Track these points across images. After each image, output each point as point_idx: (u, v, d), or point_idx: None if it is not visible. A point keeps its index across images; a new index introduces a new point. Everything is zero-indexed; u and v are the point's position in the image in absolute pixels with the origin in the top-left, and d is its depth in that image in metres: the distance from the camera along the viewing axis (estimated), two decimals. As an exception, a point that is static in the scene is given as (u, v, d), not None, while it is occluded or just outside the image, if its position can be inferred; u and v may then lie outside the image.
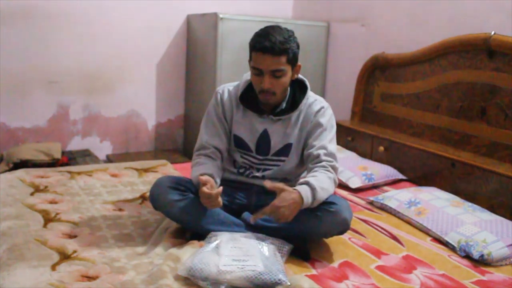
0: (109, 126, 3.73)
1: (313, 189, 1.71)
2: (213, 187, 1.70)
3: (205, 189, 1.67)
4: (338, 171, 1.88)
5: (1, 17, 3.17)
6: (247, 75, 1.94)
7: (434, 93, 2.83)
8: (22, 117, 3.40)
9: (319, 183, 1.74)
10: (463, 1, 2.74)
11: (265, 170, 1.96)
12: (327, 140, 1.88)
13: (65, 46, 3.41)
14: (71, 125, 3.59)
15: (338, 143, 2.02)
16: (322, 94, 3.88)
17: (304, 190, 1.70)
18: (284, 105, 1.90)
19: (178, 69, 3.88)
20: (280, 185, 1.72)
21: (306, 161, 1.92)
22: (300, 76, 1.93)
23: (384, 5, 3.29)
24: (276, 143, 1.93)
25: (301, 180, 1.76)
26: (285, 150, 1.94)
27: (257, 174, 1.97)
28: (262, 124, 1.92)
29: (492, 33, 2.44)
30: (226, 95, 1.96)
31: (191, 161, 2.00)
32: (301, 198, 1.68)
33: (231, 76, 3.36)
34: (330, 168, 1.83)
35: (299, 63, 1.86)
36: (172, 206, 1.79)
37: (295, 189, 1.70)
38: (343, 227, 1.80)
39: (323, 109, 1.93)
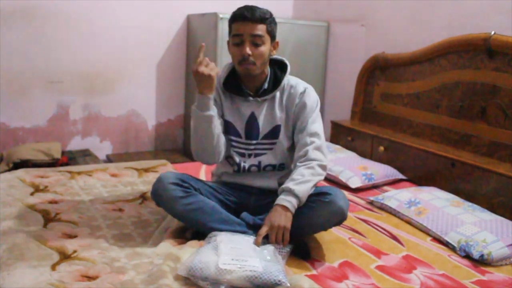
0: (109, 126, 3.73)
1: (291, 192, 1.76)
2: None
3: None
4: (323, 149, 1.89)
5: (1, 17, 3.17)
6: (227, 63, 1.97)
7: (434, 93, 2.83)
8: (22, 117, 3.40)
9: (294, 181, 1.78)
10: (463, 1, 2.74)
11: (257, 155, 1.96)
12: (310, 121, 1.91)
13: (65, 46, 3.42)
14: (71, 125, 3.59)
15: (338, 143, 2.03)
16: (322, 94, 3.88)
17: (286, 202, 1.75)
18: (266, 85, 1.92)
19: (178, 69, 3.88)
20: (263, 229, 1.74)
21: (295, 151, 1.94)
22: (279, 56, 1.97)
23: (384, 5, 3.29)
24: (264, 125, 1.94)
25: (279, 190, 1.81)
26: (274, 132, 1.95)
27: (253, 161, 1.96)
28: (248, 107, 1.94)
29: (492, 33, 2.45)
30: (217, 81, 1.96)
31: (191, 161, 2.00)
32: (283, 206, 1.74)
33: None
34: (311, 154, 1.85)
35: (277, 40, 1.91)
36: (174, 203, 1.79)
37: (274, 205, 1.76)
38: (340, 216, 1.80)
39: (307, 90, 1.95)
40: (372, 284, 1.64)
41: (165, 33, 3.76)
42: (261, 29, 1.81)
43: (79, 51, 3.47)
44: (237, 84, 1.93)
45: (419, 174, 2.74)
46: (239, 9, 1.84)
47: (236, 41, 1.83)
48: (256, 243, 1.70)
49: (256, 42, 1.81)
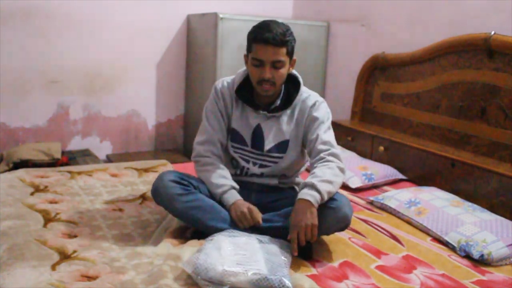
0: (109, 126, 3.73)
1: (313, 186, 1.72)
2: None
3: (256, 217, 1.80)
4: (339, 156, 1.87)
5: (1, 17, 3.17)
6: (241, 70, 1.97)
7: (434, 93, 2.83)
8: (22, 117, 3.40)
9: (317, 178, 1.75)
10: (463, 1, 2.74)
11: (262, 166, 1.96)
12: (322, 131, 1.90)
13: (65, 46, 3.41)
14: (71, 125, 3.59)
15: (338, 143, 2.02)
16: (322, 94, 3.88)
17: (310, 196, 1.71)
18: (278, 102, 1.93)
19: (178, 69, 3.88)
20: (292, 234, 1.70)
21: (309, 158, 1.95)
22: (293, 71, 1.96)
23: (384, 5, 3.29)
24: (270, 139, 1.94)
25: (300, 186, 1.79)
26: (281, 146, 1.95)
27: (255, 170, 1.97)
28: (256, 119, 1.94)
29: (492, 33, 2.44)
30: (225, 88, 1.98)
31: (191, 157, 2.00)
32: (306, 200, 1.70)
33: (231, 76, 3.36)
34: (328, 157, 1.83)
35: (294, 57, 1.90)
36: (174, 201, 1.80)
37: (297, 200, 1.73)
38: (344, 223, 1.80)
39: (318, 103, 1.95)
40: (372, 284, 1.64)
41: (165, 33, 3.76)
42: (282, 53, 1.80)
43: (79, 51, 3.47)
44: (249, 94, 1.94)
45: (419, 174, 2.74)
46: (261, 29, 1.80)
47: (256, 63, 1.83)
48: (293, 252, 1.67)
49: (276, 66, 1.81)
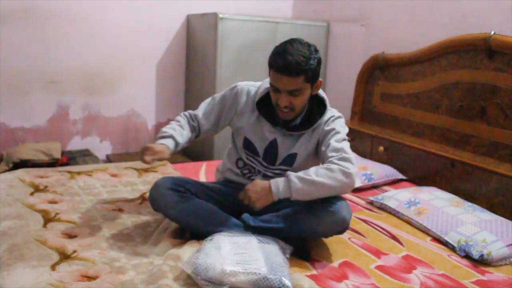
0: (109, 126, 3.73)
1: (288, 179, 1.69)
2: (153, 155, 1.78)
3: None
4: (351, 160, 1.74)
5: (1, 17, 3.17)
6: (266, 81, 1.88)
7: (434, 93, 2.83)
8: (22, 117, 3.40)
9: (303, 174, 1.69)
10: (463, 1, 2.74)
11: (266, 176, 1.94)
12: (334, 140, 1.81)
13: (65, 46, 3.42)
14: (71, 125, 3.59)
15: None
16: (322, 94, 3.88)
17: (275, 180, 1.71)
18: (298, 120, 1.87)
19: (178, 69, 3.88)
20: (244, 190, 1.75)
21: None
22: (320, 91, 1.88)
23: (384, 5, 3.29)
24: (282, 153, 1.92)
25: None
26: (289, 159, 1.92)
27: (260, 178, 1.95)
28: (273, 133, 1.90)
29: (492, 33, 2.44)
30: (244, 93, 1.94)
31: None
32: (270, 186, 1.70)
33: (231, 76, 3.37)
34: (335, 160, 1.72)
35: (320, 79, 1.81)
36: (171, 208, 1.80)
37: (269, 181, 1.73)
38: (342, 226, 1.79)
39: (333, 117, 1.89)
40: (372, 284, 1.64)
41: (165, 33, 3.76)
42: (298, 82, 1.70)
43: (79, 51, 3.47)
44: (270, 109, 1.87)
45: (419, 174, 2.73)
46: (277, 56, 1.70)
47: (273, 89, 1.77)
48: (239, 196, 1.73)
49: (294, 94, 1.74)
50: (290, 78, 1.69)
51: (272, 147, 1.91)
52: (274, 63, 1.71)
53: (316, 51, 1.76)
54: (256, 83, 1.97)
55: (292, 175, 1.70)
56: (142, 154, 1.79)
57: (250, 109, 1.93)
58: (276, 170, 1.94)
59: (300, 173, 1.71)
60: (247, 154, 1.97)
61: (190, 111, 2.03)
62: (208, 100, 2.03)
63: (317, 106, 1.88)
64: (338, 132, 1.83)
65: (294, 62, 1.67)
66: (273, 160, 1.93)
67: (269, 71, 1.78)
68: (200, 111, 2.01)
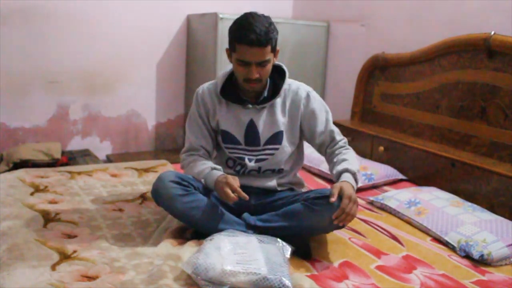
0: (109, 126, 3.73)
1: (351, 173, 1.82)
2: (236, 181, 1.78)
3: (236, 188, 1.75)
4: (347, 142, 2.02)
5: (1, 17, 3.17)
6: (222, 72, 1.96)
7: (434, 93, 2.83)
8: (22, 117, 3.40)
9: (351, 164, 1.85)
10: (463, 1, 2.74)
11: (259, 160, 1.96)
12: (331, 123, 1.99)
13: (65, 46, 3.41)
14: (71, 125, 3.59)
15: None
16: (322, 94, 3.88)
17: (347, 180, 1.78)
18: (265, 93, 1.92)
19: (178, 69, 3.88)
20: (335, 188, 1.74)
21: (321, 148, 2.00)
22: (277, 62, 1.94)
23: (384, 5, 3.29)
24: (264, 132, 1.94)
25: (340, 168, 1.84)
26: (276, 138, 1.94)
27: (253, 165, 1.95)
28: (247, 115, 1.93)
29: (492, 33, 2.44)
30: (206, 93, 1.97)
31: (180, 168, 2.01)
32: (351, 185, 1.77)
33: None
34: (347, 146, 1.99)
35: (278, 47, 1.87)
36: (174, 201, 1.79)
37: (342, 182, 1.77)
38: None
39: (310, 94, 1.97)
40: (372, 284, 1.64)
41: (165, 33, 3.76)
42: (267, 51, 1.76)
43: (79, 51, 3.47)
44: (234, 91, 1.92)
45: (419, 174, 2.73)
46: (243, 29, 1.75)
47: (241, 63, 1.79)
48: (332, 197, 1.69)
49: (262, 64, 1.79)
50: (260, 49, 1.74)
51: (251, 129, 1.93)
52: (243, 37, 1.74)
53: (272, 21, 1.83)
54: (211, 81, 2.02)
55: (350, 168, 1.82)
56: (226, 196, 1.75)
57: (217, 102, 1.95)
58: (265, 151, 1.95)
59: (346, 164, 1.85)
60: (229, 149, 1.97)
61: (187, 150, 1.99)
62: (188, 122, 2.02)
63: (278, 76, 1.94)
64: (327, 112, 2.00)
65: (263, 33, 1.73)
66: (257, 141, 1.94)
67: (233, 47, 1.80)
68: (191, 138, 1.98)
